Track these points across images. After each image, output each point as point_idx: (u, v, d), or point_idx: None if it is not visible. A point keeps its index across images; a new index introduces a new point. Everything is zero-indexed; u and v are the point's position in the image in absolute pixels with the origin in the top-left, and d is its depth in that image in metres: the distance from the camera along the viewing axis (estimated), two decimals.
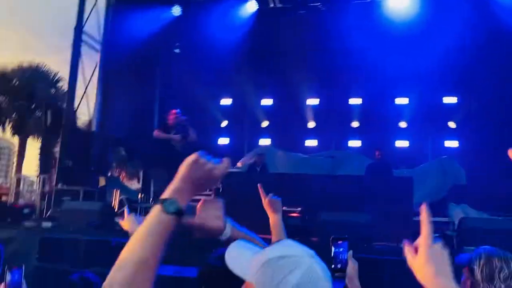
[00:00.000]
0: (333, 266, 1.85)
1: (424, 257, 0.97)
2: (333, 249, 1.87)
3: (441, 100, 11.41)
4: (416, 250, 0.99)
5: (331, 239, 1.88)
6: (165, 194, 1.08)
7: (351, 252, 1.87)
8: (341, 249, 1.87)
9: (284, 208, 5.64)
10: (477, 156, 10.33)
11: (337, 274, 1.84)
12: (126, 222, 2.13)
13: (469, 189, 9.65)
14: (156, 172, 6.63)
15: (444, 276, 0.95)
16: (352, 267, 1.86)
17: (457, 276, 1.79)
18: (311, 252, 1.10)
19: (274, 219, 2.13)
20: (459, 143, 11.17)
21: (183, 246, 4.56)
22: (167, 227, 1.05)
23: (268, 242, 1.85)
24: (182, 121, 6.83)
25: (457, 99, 11.31)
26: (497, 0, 8.40)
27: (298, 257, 1.06)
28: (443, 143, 11.29)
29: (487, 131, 10.19)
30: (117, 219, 2.18)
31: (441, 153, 10.87)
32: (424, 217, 0.99)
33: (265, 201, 2.14)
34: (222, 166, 1.18)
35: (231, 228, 1.54)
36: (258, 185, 2.15)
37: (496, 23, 8.94)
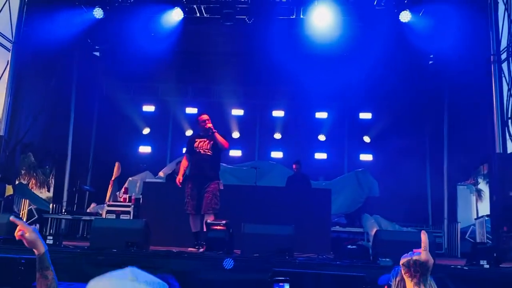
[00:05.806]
0: None
1: None
2: None
3: (358, 115, 12.07)
4: None
5: (273, 279, 2.16)
6: None
7: None
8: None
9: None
10: (389, 169, 11.04)
11: None
12: (29, 231, 1.85)
13: (381, 200, 10.29)
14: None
15: None
16: None
17: None
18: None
19: None
20: (373, 157, 11.86)
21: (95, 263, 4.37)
22: None
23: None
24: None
25: (372, 115, 12.02)
26: (412, 26, 9.05)
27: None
28: (359, 156, 11.94)
29: (398, 146, 10.93)
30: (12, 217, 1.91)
31: (356, 166, 11.46)
32: None
33: None
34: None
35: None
36: None
37: (409, 47, 9.69)
